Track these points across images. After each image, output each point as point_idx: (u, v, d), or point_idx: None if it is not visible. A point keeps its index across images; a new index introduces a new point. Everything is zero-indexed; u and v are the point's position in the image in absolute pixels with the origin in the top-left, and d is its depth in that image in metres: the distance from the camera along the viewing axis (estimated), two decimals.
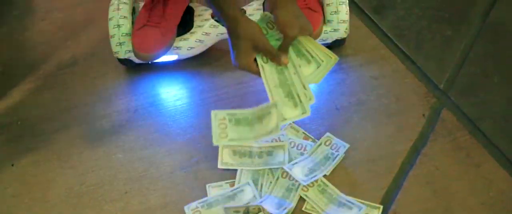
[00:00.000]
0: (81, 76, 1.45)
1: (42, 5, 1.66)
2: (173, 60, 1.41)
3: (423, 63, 1.37)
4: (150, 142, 1.29)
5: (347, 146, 1.22)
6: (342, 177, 1.18)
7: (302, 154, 1.22)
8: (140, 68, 1.44)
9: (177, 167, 1.23)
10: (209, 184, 1.17)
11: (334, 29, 1.36)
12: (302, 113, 1.12)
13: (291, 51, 1.14)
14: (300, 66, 1.14)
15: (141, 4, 1.42)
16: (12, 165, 1.28)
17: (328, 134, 1.24)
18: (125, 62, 1.39)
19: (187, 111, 1.35)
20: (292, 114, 1.13)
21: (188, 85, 1.41)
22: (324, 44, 1.35)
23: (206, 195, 1.16)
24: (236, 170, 1.20)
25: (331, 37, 1.37)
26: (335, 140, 1.23)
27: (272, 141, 1.23)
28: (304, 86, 1.13)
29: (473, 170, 1.18)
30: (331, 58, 1.14)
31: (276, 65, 1.13)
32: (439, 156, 1.20)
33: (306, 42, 1.14)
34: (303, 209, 1.13)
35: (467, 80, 1.32)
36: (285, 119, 1.13)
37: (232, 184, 1.18)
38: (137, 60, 1.38)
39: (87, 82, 1.43)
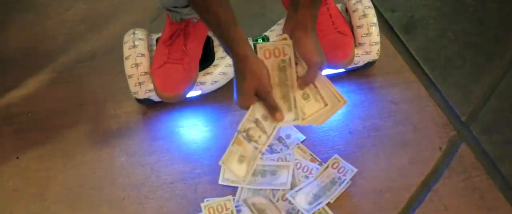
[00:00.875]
0: (97, 72, 1.43)
1: None
2: (196, 96, 1.33)
3: (447, 91, 1.29)
4: (154, 148, 1.27)
5: (355, 170, 1.16)
6: (346, 207, 1.13)
7: (307, 177, 1.17)
8: None
9: (178, 178, 1.21)
10: (204, 203, 1.14)
11: (366, 52, 1.28)
12: (294, 119, 1.07)
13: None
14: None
15: (154, 36, 1.35)
16: (17, 158, 1.28)
17: (336, 155, 1.18)
18: (144, 101, 1.30)
19: (196, 114, 1.32)
20: (286, 117, 1.07)
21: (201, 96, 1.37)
22: (355, 68, 1.32)
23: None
24: (236, 187, 1.17)
25: (363, 60, 1.30)
26: (343, 162, 1.18)
27: (277, 160, 1.19)
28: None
29: (485, 213, 1.10)
30: (340, 101, 1.07)
31: (277, 61, 1.08)
32: (451, 194, 1.13)
33: (318, 80, 1.08)
34: None
35: (492, 115, 1.25)
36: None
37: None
38: (157, 99, 1.28)
39: (102, 79, 1.41)
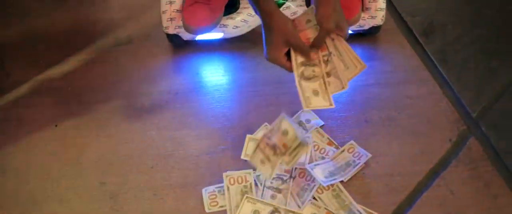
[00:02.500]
0: (133, 55, 1.54)
1: None
2: (218, 38, 1.50)
3: (460, 90, 1.37)
4: (183, 124, 1.36)
5: (369, 155, 1.24)
6: (358, 186, 1.21)
7: (323, 158, 1.26)
8: (187, 49, 1.53)
9: (204, 152, 1.29)
10: (225, 173, 1.22)
11: (372, 16, 1.43)
12: (329, 105, 1.15)
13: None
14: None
15: None
16: (56, 126, 1.38)
17: (352, 141, 1.27)
18: (174, 38, 1.48)
19: (224, 100, 1.41)
20: (319, 103, 1.15)
21: (229, 76, 1.47)
22: (361, 30, 1.45)
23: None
24: None
25: (368, 23, 1.44)
26: (358, 148, 1.26)
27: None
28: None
29: (489, 200, 1.17)
30: (359, 65, 1.14)
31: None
32: (457, 181, 1.21)
33: (340, 43, 1.16)
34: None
35: (501, 114, 1.32)
36: (311, 104, 1.15)
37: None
38: (185, 37, 1.47)
39: (137, 61, 1.52)
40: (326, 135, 1.30)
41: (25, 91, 1.47)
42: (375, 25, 1.45)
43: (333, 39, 1.15)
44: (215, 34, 1.47)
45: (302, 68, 1.17)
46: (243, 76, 1.46)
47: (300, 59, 1.17)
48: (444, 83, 1.40)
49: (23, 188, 1.27)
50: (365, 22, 1.44)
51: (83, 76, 1.50)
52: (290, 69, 1.17)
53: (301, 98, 1.15)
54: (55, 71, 1.51)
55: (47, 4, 1.72)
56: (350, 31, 1.38)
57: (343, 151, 1.26)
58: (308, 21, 1.17)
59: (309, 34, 1.18)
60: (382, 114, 1.35)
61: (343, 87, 1.14)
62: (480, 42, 1.48)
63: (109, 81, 1.48)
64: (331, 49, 1.16)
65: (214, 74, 1.48)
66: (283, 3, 1.43)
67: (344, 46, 1.16)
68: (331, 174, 1.20)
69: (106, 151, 1.32)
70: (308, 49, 1.15)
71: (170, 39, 1.50)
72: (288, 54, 1.17)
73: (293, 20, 1.17)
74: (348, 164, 1.23)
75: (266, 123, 1.32)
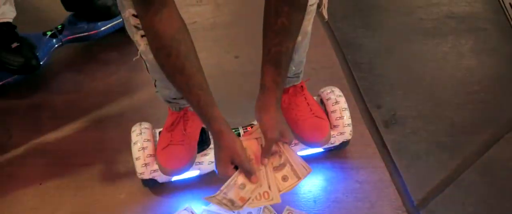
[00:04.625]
0: (121, 128, 1.67)
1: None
2: (195, 176, 1.51)
3: (408, 179, 1.46)
4: (151, 191, 1.50)
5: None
6: None
7: None
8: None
9: None
10: None
11: (340, 133, 1.48)
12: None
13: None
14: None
15: (158, 131, 1.53)
16: (40, 184, 1.55)
17: (287, 206, 1.39)
18: (150, 182, 1.48)
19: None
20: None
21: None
22: (331, 147, 1.52)
23: None
24: None
25: (338, 140, 1.50)
26: (296, 211, 1.38)
27: None
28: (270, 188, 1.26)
29: None
30: (306, 170, 1.27)
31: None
32: None
33: (286, 151, 1.29)
34: None
35: (442, 204, 1.40)
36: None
37: None
38: (161, 179, 1.47)
39: (124, 133, 1.62)
40: (273, 211, 1.40)
41: (21, 152, 1.66)
42: (345, 140, 1.51)
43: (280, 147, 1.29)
44: (191, 172, 1.48)
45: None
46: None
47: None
48: (395, 171, 1.49)
49: None
50: (335, 139, 1.48)
51: (74, 142, 1.68)
52: None
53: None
54: (51, 136, 1.70)
55: (55, 77, 1.94)
56: (321, 150, 1.53)
57: None
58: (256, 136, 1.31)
59: (256, 146, 1.31)
60: (330, 196, 1.45)
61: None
62: (435, 137, 1.58)
63: (95, 148, 1.65)
64: (282, 158, 1.29)
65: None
66: (239, 133, 1.49)
67: (291, 153, 1.29)
68: None
69: (78, 210, 1.47)
70: (251, 170, 1.24)
71: (145, 183, 1.49)
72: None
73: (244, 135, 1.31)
74: None
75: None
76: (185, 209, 1.41)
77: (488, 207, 1.40)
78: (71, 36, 1.93)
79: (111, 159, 1.61)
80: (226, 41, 2.04)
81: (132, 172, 1.54)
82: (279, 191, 1.24)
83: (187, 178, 1.50)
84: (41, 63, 1.80)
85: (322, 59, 1.84)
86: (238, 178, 1.25)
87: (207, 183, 1.50)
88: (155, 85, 1.39)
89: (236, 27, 2.11)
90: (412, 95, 1.73)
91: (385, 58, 1.89)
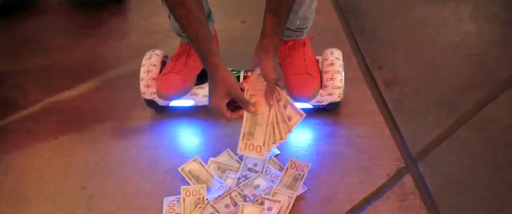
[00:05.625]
0: (131, 86, 1.73)
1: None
2: (190, 106, 1.64)
3: (407, 133, 1.53)
4: (160, 145, 1.59)
5: (310, 164, 1.45)
6: (297, 210, 1.38)
7: (272, 181, 1.43)
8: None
9: (173, 169, 1.49)
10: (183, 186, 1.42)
11: (329, 94, 1.53)
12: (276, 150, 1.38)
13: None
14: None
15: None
16: (55, 139, 1.63)
17: (291, 158, 1.46)
18: (150, 103, 1.64)
19: (199, 132, 1.62)
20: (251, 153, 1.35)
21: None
22: (320, 105, 1.58)
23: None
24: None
25: (326, 100, 1.55)
26: (298, 161, 1.46)
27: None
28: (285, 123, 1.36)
29: None
30: (299, 115, 1.36)
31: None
32: (386, 210, 1.36)
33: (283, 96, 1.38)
34: None
35: (438, 157, 1.47)
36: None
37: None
38: (160, 102, 1.62)
39: (134, 91, 1.70)
40: (278, 162, 1.48)
41: (37, 110, 1.74)
42: (333, 101, 1.55)
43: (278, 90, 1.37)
44: (186, 101, 1.61)
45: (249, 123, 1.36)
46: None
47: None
48: (394, 127, 1.56)
49: (19, 186, 1.51)
50: (323, 98, 1.54)
51: (87, 101, 1.76)
52: (228, 119, 1.35)
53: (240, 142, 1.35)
54: (65, 95, 1.78)
55: (67, 41, 2.02)
56: (310, 106, 1.59)
57: (287, 169, 1.44)
58: (257, 78, 1.38)
59: (258, 86, 1.38)
60: (333, 149, 1.52)
61: (282, 139, 1.35)
62: (434, 96, 1.64)
63: (108, 106, 1.73)
64: (283, 100, 1.37)
65: (195, 111, 1.68)
66: (238, 76, 1.59)
67: (286, 98, 1.37)
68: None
69: (91, 161, 1.55)
70: (247, 101, 1.33)
71: (147, 103, 1.65)
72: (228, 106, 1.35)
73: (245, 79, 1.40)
74: (295, 179, 1.42)
75: (228, 149, 1.51)
76: (194, 160, 1.49)
77: (481, 160, 1.46)
78: None
79: (122, 116, 1.69)
80: (232, 6, 2.10)
81: (143, 128, 1.63)
82: (289, 128, 1.35)
83: (183, 106, 1.65)
84: None
85: (326, 24, 1.90)
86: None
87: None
88: (169, 18, 1.49)
89: None
90: (412, 58, 1.79)
91: (387, 23, 1.95)
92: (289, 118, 1.36)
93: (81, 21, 2.14)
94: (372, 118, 1.60)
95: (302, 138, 1.56)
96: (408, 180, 1.42)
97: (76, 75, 1.85)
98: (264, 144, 1.34)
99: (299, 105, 1.48)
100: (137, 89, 1.69)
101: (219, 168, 1.48)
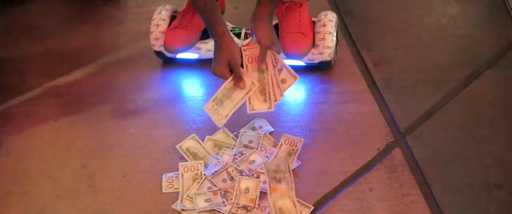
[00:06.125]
0: (128, 70, 1.83)
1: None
2: (194, 59, 1.78)
3: (395, 109, 1.59)
4: (158, 125, 1.63)
5: (303, 139, 1.51)
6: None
7: (268, 157, 1.49)
8: (172, 66, 1.83)
9: (170, 147, 1.53)
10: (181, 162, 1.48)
11: (320, 53, 1.66)
12: (268, 108, 1.44)
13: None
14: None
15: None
16: (55, 121, 1.67)
17: (284, 134, 1.53)
18: (159, 54, 1.79)
19: (195, 109, 1.67)
20: (261, 106, 1.44)
21: (203, 90, 1.74)
22: (312, 63, 1.69)
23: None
24: None
25: (318, 58, 1.67)
26: (291, 137, 1.52)
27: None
28: (278, 87, 1.45)
29: (399, 197, 1.38)
30: (294, 77, 1.46)
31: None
32: (377, 181, 1.42)
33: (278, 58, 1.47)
34: None
35: (426, 131, 1.53)
36: (254, 109, 1.44)
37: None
38: (167, 54, 1.76)
39: (131, 74, 1.81)
40: (272, 139, 1.54)
41: (36, 94, 1.78)
42: (324, 60, 1.67)
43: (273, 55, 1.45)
44: (191, 54, 1.76)
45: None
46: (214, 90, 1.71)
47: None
48: (383, 104, 1.62)
49: (21, 166, 1.55)
50: (315, 57, 1.66)
51: (85, 84, 1.80)
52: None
53: (247, 103, 1.44)
54: (63, 80, 1.82)
55: (64, 28, 2.07)
56: (303, 63, 1.69)
57: (281, 145, 1.50)
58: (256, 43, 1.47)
59: (255, 53, 1.47)
60: (325, 125, 1.58)
61: (276, 100, 1.45)
62: (421, 74, 1.71)
63: (105, 89, 1.77)
64: (279, 64, 1.47)
65: (191, 88, 1.76)
66: (239, 32, 1.70)
67: (282, 61, 1.46)
68: None
69: (91, 141, 1.60)
70: (241, 76, 1.42)
71: (157, 54, 1.80)
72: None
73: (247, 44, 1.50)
74: (289, 154, 1.48)
75: (224, 127, 1.56)
76: (191, 138, 1.54)
77: (467, 133, 1.53)
78: None
79: (120, 98, 1.73)
80: None
81: (140, 109, 1.68)
82: (281, 91, 1.45)
83: (188, 59, 1.79)
84: None
85: (316, 10, 1.96)
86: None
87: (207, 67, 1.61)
88: None
89: None
90: (400, 40, 1.85)
91: (375, 7, 2.01)
92: (284, 81, 1.46)
93: (76, 8, 2.18)
94: (363, 96, 1.66)
95: (295, 115, 1.61)
96: (397, 153, 1.49)
97: (74, 61, 1.89)
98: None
99: (293, 62, 1.67)
100: (133, 72, 1.75)
101: (215, 145, 1.54)
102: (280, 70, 1.46)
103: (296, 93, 1.68)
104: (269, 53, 1.45)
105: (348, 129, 1.57)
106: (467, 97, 1.62)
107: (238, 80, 1.42)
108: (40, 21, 2.11)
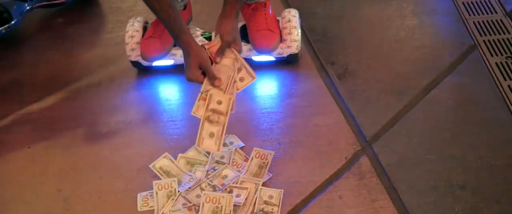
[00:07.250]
0: (99, 94, 1.87)
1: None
2: (170, 65, 1.87)
3: (361, 120, 1.65)
4: (131, 145, 1.67)
5: (272, 152, 1.57)
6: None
7: (239, 171, 1.53)
8: (141, 84, 1.89)
9: (144, 166, 1.57)
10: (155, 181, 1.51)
11: (288, 46, 1.80)
12: (217, 150, 1.47)
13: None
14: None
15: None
16: (29, 147, 1.69)
17: (255, 148, 1.58)
18: (136, 64, 1.87)
19: (166, 128, 1.71)
20: (210, 147, 1.47)
21: (173, 107, 1.79)
22: (281, 57, 1.82)
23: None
24: None
25: (286, 52, 1.81)
26: (262, 151, 1.57)
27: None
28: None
29: (368, 203, 1.43)
30: (251, 76, 1.55)
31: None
32: (346, 189, 1.47)
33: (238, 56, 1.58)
34: None
35: (390, 138, 1.60)
36: (201, 145, 1.48)
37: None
38: (144, 63, 1.85)
39: (102, 98, 1.85)
40: (243, 154, 1.58)
41: (8, 122, 1.80)
42: (292, 53, 1.81)
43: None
44: (167, 61, 1.85)
45: (210, 113, 1.48)
46: (187, 104, 1.76)
47: (212, 106, 1.49)
48: (349, 115, 1.68)
49: None
50: (283, 50, 1.80)
51: (57, 110, 1.83)
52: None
53: (198, 136, 1.47)
54: (35, 107, 1.84)
55: (33, 56, 2.10)
56: (273, 58, 1.82)
57: (252, 158, 1.55)
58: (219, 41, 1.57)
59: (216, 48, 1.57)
60: (293, 138, 1.64)
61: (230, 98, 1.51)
62: (383, 85, 1.78)
63: (78, 114, 1.80)
64: (239, 62, 1.56)
65: (163, 107, 1.80)
66: (210, 36, 1.82)
67: (243, 60, 1.57)
68: None
69: (66, 165, 1.62)
70: (214, 75, 1.50)
71: (133, 64, 1.89)
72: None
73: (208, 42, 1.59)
74: (260, 167, 1.53)
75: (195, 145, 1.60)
76: (164, 157, 1.57)
77: (429, 138, 1.60)
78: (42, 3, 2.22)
79: (93, 122, 1.77)
80: None
81: (113, 131, 1.71)
82: (237, 89, 1.54)
83: (164, 65, 1.89)
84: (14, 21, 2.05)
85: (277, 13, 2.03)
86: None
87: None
88: None
89: None
90: (362, 53, 1.93)
91: (336, 23, 2.09)
92: (242, 79, 1.54)
93: (46, 37, 2.21)
94: (329, 108, 1.72)
95: (265, 130, 1.66)
96: (364, 160, 1.54)
97: (45, 88, 1.92)
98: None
99: (263, 58, 1.84)
100: (105, 96, 1.78)
101: (188, 163, 1.58)
102: (239, 69, 1.55)
103: (265, 108, 1.74)
104: (231, 50, 1.57)
105: (316, 140, 1.62)
106: (428, 104, 1.69)
107: (213, 79, 1.50)
108: (9, 50, 2.13)
